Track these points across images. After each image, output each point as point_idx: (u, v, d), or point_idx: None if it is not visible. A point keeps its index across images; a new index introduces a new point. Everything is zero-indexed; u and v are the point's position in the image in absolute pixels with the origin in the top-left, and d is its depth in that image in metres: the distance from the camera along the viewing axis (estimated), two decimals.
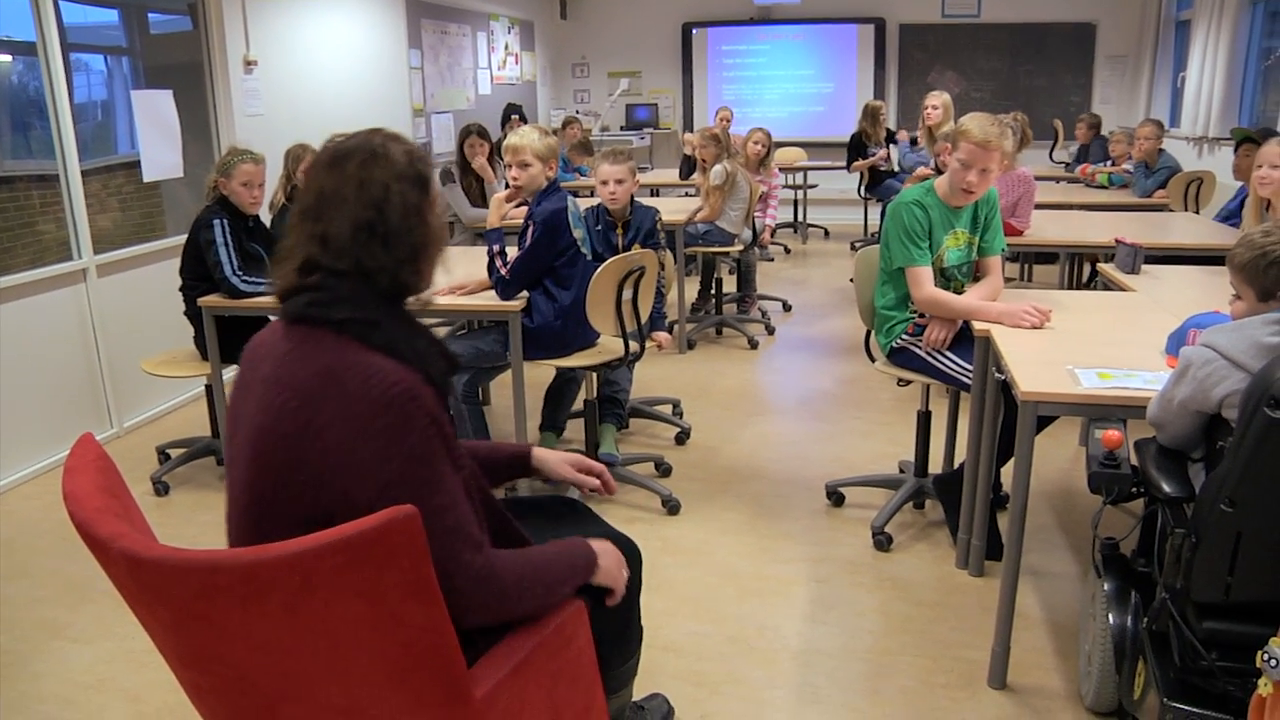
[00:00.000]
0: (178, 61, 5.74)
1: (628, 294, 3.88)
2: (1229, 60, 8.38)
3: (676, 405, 5.17)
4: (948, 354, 3.45)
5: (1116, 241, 4.18)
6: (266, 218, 4.68)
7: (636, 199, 4.78)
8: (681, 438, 4.80)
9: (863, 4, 11.72)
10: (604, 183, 4.60)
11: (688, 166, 8.82)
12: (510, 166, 3.84)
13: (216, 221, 4.03)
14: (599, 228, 4.67)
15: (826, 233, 11.40)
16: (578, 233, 3.87)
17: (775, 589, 3.37)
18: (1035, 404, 2.49)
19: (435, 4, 8.71)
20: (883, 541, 3.61)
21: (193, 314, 4.19)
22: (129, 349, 4.97)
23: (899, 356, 3.61)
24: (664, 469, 4.38)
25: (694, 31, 12.24)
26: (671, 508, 3.99)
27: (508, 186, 3.88)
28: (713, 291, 7.01)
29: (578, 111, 12.32)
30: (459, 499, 1.60)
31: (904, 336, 3.58)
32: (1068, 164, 9.42)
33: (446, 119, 8.86)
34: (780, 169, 8.33)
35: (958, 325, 3.44)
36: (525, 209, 3.90)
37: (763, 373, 6.11)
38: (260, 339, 1.71)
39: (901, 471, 4.15)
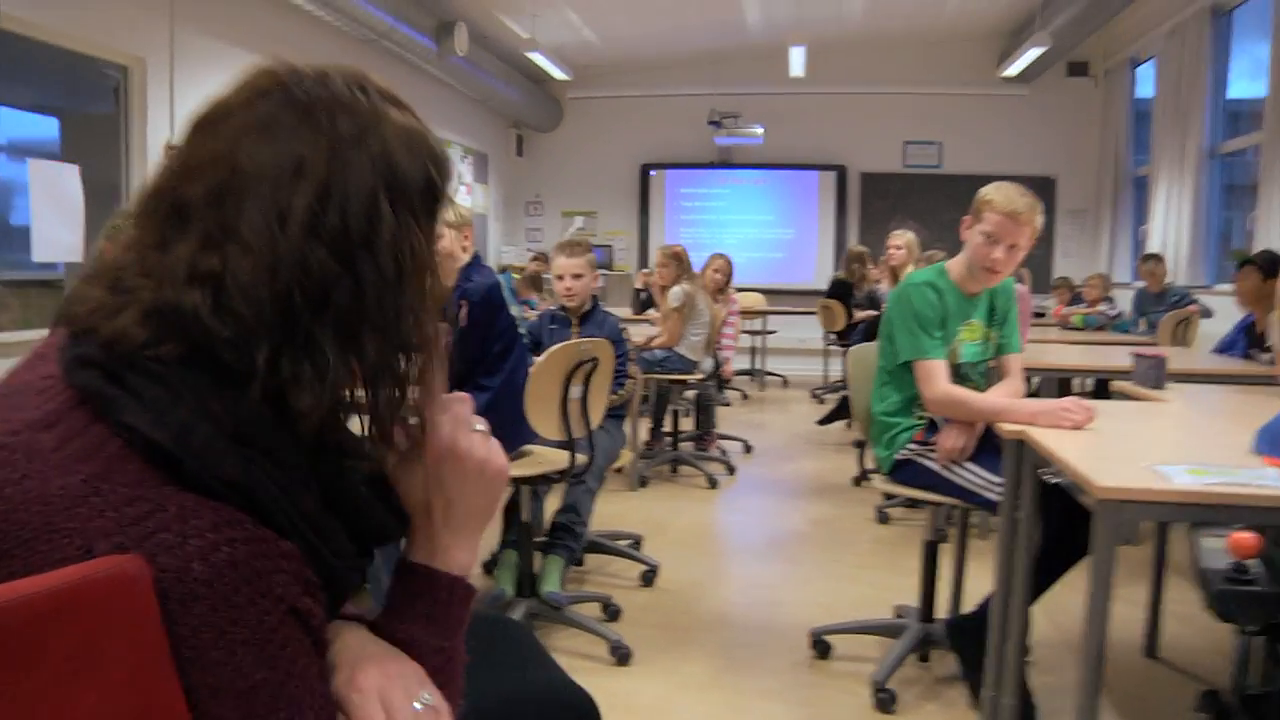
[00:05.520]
0: (94, 142, 5.23)
1: (576, 391, 3.27)
2: (1194, 211, 8.26)
3: (637, 541, 4.50)
4: (968, 465, 2.85)
5: (1135, 356, 3.67)
6: None
7: (598, 300, 4.28)
8: (649, 576, 4.12)
9: (824, 151, 11.61)
10: (559, 277, 4.11)
11: (640, 302, 8.41)
12: None
13: None
14: (553, 326, 4.14)
15: (785, 381, 10.94)
16: (514, 311, 3.29)
17: None
18: (1119, 505, 1.88)
19: None
20: (886, 700, 2.92)
21: None
22: None
23: (904, 471, 3.00)
24: (612, 611, 3.69)
25: (652, 173, 12.03)
26: (621, 656, 3.28)
27: None
28: (666, 427, 6.42)
29: (528, 249, 11.96)
30: None
31: (911, 446, 2.98)
32: (1040, 313, 9.14)
33: None
34: (741, 314, 7.95)
35: (979, 430, 2.86)
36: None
37: (725, 512, 5.47)
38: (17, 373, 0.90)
39: (899, 617, 3.49)
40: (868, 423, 3.16)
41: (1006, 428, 2.58)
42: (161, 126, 5.43)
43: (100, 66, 5.20)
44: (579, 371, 3.23)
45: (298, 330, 0.85)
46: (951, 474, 2.86)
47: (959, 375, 2.98)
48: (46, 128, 5.70)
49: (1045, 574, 2.61)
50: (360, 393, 0.91)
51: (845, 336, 9.13)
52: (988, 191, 2.89)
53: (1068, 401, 2.56)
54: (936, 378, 2.86)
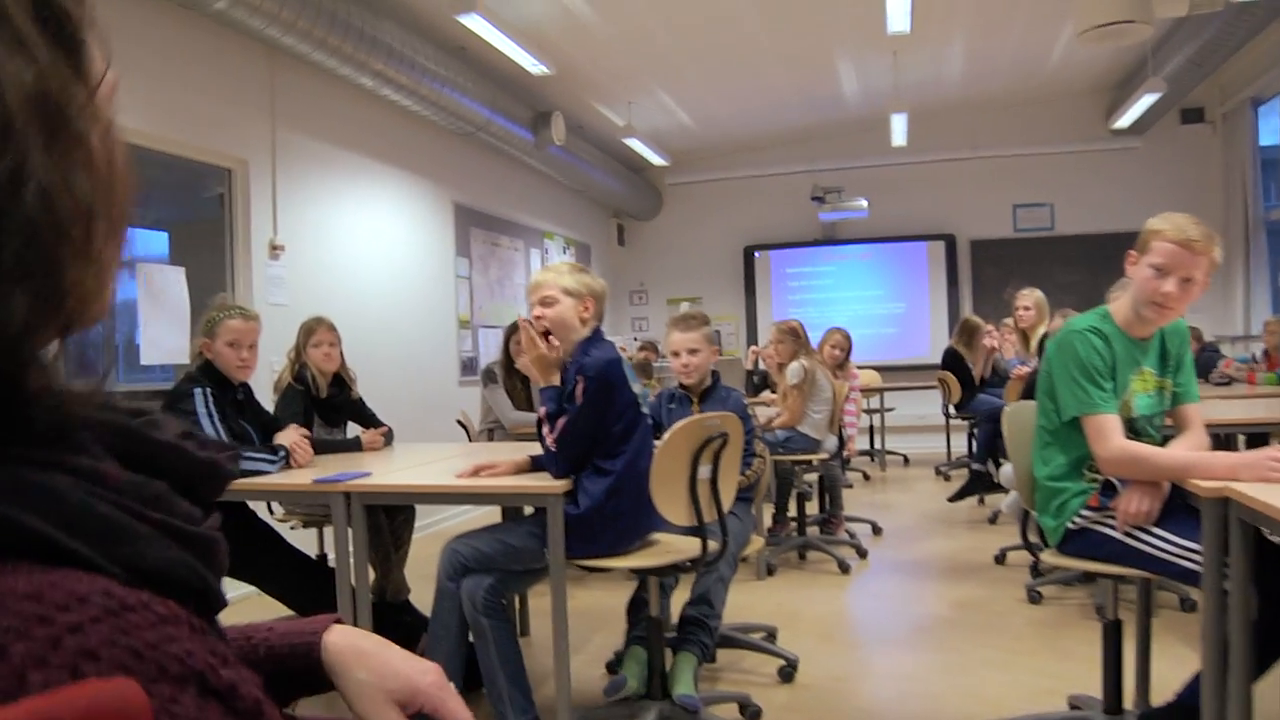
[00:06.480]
0: (200, 245, 5.27)
1: (705, 470, 3.01)
2: None
3: (771, 633, 4.18)
4: (1155, 530, 2.50)
5: None
6: (266, 400, 3.96)
7: (718, 376, 4.04)
8: (788, 672, 3.78)
9: (931, 221, 11.30)
10: (675, 353, 3.89)
11: (752, 384, 8.15)
12: (533, 308, 3.11)
13: (197, 391, 3.30)
14: (673, 405, 3.90)
15: (906, 459, 10.50)
16: (635, 388, 3.06)
17: None
18: None
19: (486, 214, 8.34)
20: None
21: None
22: None
23: (1078, 542, 2.66)
24: (751, 713, 3.36)
25: (756, 255, 11.86)
26: None
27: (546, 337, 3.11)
28: (790, 511, 6.09)
29: (635, 338, 11.83)
30: None
31: (1084, 513, 2.64)
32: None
33: (495, 334, 8.30)
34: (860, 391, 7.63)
35: (1165, 491, 2.51)
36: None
37: (861, 598, 5.11)
38: None
39: (1076, 708, 3.11)
40: (1030, 489, 2.83)
41: (1204, 485, 2.25)
42: (264, 225, 5.44)
43: (207, 177, 5.25)
44: (707, 449, 2.98)
45: None
46: (1138, 542, 2.51)
47: (1133, 430, 2.65)
48: (158, 243, 5.77)
49: (1269, 649, 2.24)
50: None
51: (964, 408, 8.71)
52: (1155, 221, 2.59)
53: (1276, 451, 2.22)
54: (1110, 434, 2.53)
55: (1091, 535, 2.62)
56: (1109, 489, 2.62)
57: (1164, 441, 2.73)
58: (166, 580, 0.56)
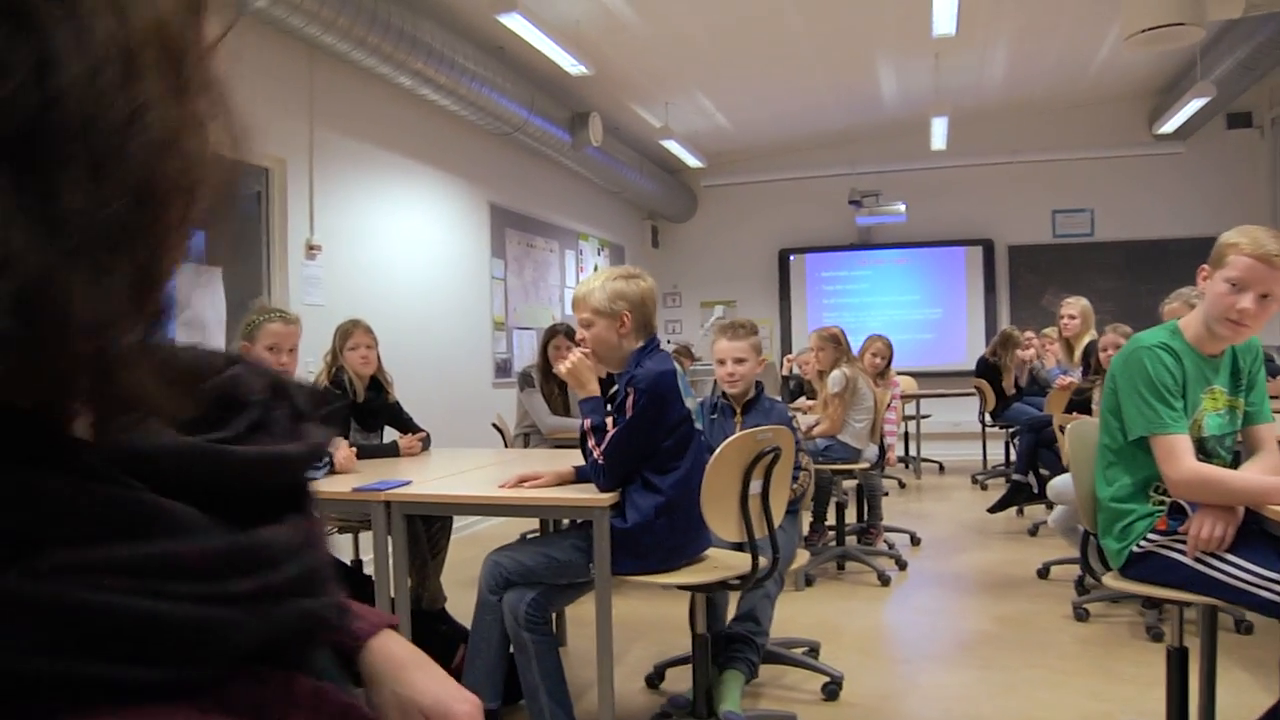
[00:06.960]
0: (237, 244, 5.25)
1: (756, 486, 2.93)
2: None
3: (814, 648, 4.09)
4: (1228, 557, 2.39)
5: None
6: None
7: (762, 387, 3.97)
8: (832, 689, 3.69)
9: (969, 226, 11.15)
10: (721, 361, 3.82)
11: (789, 390, 8.04)
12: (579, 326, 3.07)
13: None
14: (714, 416, 3.82)
15: (941, 467, 10.35)
16: (690, 403, 2.97)
17: None
18: None
19: (521, 215, 8.29)
20: None
21: None
22: None
23: (1144, 566, 2.56)
24: None
25: (791, 258, 11.74)
26: None
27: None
28: (828, 521, 6.00)
29: (668, 341, 11.76)
30: None
31: (1151, 536, 2.54)
32: None
33: (530, 336, 8.24)
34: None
35: (1239, 516, 2.41)
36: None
37: (902, 612, 5.01)
38: None
39: None
40: (1091, 510, 2.73)
41: None
42: (301, 225, 5.41)
43: (244, 175, 5.21)
44: (759, 464, 2.89)
45: None
46: (1210, 569, 2.41)
47: (1203, 451, 2.55)
48: (193, 241, 5.75)
49: None
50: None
51: (999, 416, 8.56)
52: (1230, 235, 2.49)
53: None
54: (1181, 455, 2.43)
55: (1159, 560, 2.52)
56: (1177, 512, 2.52)
57: (1235, 462, 2.63)
58: (269, 656, 0.49)
